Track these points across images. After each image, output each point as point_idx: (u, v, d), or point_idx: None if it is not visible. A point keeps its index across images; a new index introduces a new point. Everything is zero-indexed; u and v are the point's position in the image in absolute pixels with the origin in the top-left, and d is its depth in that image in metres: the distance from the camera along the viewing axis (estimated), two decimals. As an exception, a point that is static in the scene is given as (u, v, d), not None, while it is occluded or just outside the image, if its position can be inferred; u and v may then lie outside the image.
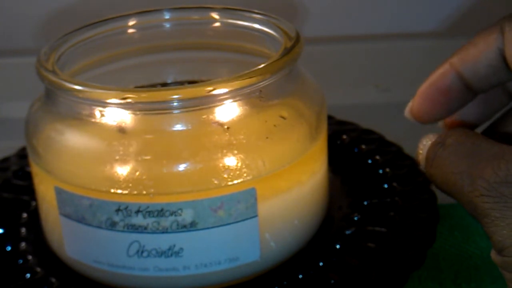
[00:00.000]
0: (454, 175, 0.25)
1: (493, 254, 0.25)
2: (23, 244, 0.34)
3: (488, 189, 0.24)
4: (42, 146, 0.31)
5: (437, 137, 0.27)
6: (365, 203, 0.35)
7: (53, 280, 0.31)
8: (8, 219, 0.35)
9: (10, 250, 0.33)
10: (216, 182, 0.28)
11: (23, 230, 0.35)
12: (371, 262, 0.31)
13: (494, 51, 0.26)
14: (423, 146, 0.28)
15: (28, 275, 0.31)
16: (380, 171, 0.37)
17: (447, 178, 0.25)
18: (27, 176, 0.36)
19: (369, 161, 0.38)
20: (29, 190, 0.36)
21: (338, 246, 0.32)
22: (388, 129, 0.41)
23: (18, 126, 0.35)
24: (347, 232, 0.33)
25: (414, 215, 0.33)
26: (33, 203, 0.36)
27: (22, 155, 0.39)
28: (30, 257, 0.33)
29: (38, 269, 0.32)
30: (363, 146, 0.39)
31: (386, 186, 0.36)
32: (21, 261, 0.32)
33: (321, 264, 0.31)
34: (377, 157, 0.38)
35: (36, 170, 0.32)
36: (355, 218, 0.34)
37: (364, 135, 0.40)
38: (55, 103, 0.31)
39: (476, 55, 0.26)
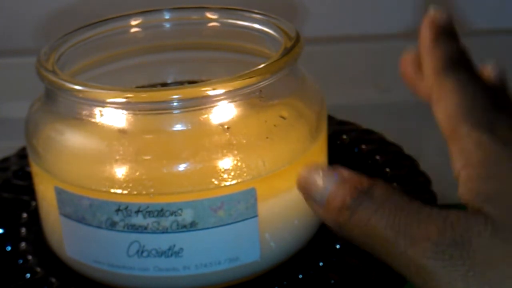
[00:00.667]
0: (386, 232, 0.24)
1: None
2: (23, 244, 0.34)
3: (435, 252, 0.22)
4: (42, 146, 0.31)
5: (352, 182, 0.25)
6: (365, 203, 0.35)
7: (53, 280, 0.31)
8: (8, 219, 0.35)
9: (10, 250, 0.33)
10: (216, 182, 0.28)
11: (23, 230, 0.35)
12: (371, 262, 0.30)
13: None
14: (319, 191, 0.26)
15: (28, 275, 0.31)
16: (381, 171, 0.37)
17: (375, 233, 0.24)
18: (27, 176, 0.36)
19: (369, 161, 0.38)
20: (29, 190, 0.36)
21: (338, 246, 0.32)
22: (388, 129, 0.41)
23: (18, 126, 0.35)
24: (347, 232, 0.33)
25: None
26: (33, 203, 0.36)
27: (22, 155, 0.39)
28: (30, 257, 0.33)
29: (38, 269, 0.32)
30: (363, 146, 0.39)
31: (386, 186, 0.36)
32: (21, 261, 0.32)
33: (321, 264, 0.31)
34: (377, 157, 0.38)
35: (36, 170, 0.32)
36: (355, 218, 0.34)
37: (364, 135, 0.40)
38: (55, 103, 0.31)
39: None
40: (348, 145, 0.39)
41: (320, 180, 0.26)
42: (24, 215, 0.36)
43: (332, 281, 0.30)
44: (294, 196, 0.31)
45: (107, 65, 0.37)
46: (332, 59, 0.52)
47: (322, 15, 0.53)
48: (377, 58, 0.53)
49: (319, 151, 0.32)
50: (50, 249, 0.33)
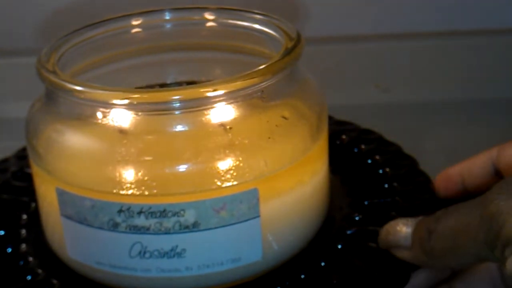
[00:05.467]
0: (464, 227, 0.27)
1: None
2: (23, 246, 0.33)
3: (497, 194, 0.25)
4: (43, 146, 0.31)
5: (425, 220, 0.29)
6: (366, 203, 0.35)
7: (55, 281, 0.31)
8: (8, 221, 0.35)
9: (11, 252, 0.33)
10: (218, 182, 0.28)
11: (23, 231, 0.34)
12: (373, 261, 0.31)
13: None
14: (403, 234, 0.30)
15: (29, 277, 0.31)
16: (380, 171, 0.37)
17: (456, 233, 0.27)
18: (27, 177, 0.36)
19: (369, 161, 0.38)
20: (29, 191, 0.36)
21: (339, 246, 0.32)
22: (388, 129, 0.41)
23: (18, 126, 0.35)
24: (349, 232, 0.33)
25: (415, 215, 0.33)
26: (33, 204, 0.36)
27: (21, 156, 0.39)
28: (31, 259, 0.33)
29: (39, 271, 0.32)
30: (363, 146, 0.39)
31: (386, 186, 0.36)
32: (22, 263, 0.32)
33: (323, 264, 0.31)
34: (377, 157, 0.38)
35: (36, 171, 0.31)
36: (356, 218, 0.34)
37: (364, 135, 0.40)
38: (56, 104, 0.31)
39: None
40: (347, 145, 0.39)
41: (403, 228, 0.30)
42: (24, 216, 0.36)
43: (334, 281, 0.30)
44: (296, 196, 0.31)
45: (108, 65, 0.36)
46: (332, 59, 0.52)
47: (322, 16, 0.53)
48: (377, 58, 0.53)
49: (320, 151, 0.32)
50: (51, 250, 0.33)
